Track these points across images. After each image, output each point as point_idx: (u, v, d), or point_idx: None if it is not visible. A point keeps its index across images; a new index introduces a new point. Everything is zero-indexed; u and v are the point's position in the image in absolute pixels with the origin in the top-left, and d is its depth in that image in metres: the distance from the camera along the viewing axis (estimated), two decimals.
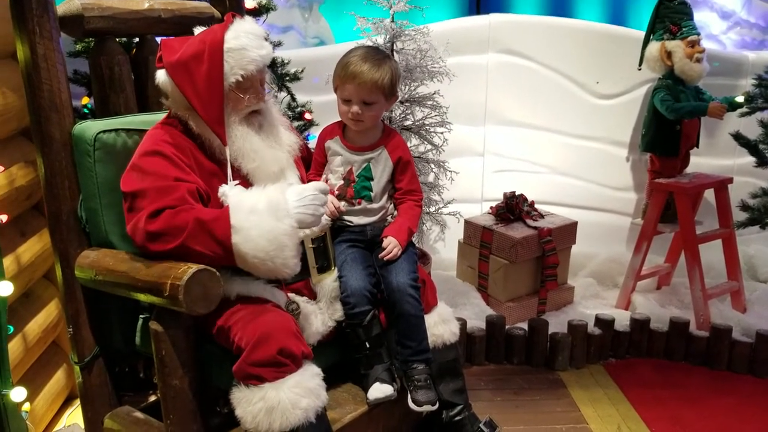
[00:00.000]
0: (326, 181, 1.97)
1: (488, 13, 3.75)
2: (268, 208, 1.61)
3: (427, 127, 3.16)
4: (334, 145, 1.97)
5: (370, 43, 2.94)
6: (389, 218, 1.98)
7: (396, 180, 1.97)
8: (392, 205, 2.01)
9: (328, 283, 1.84)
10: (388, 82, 1.85)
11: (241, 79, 1.73)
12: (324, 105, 3.26)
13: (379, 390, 1.81)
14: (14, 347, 2.08)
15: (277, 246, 1.59)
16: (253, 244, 1.58)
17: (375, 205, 1.93)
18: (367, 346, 1.83)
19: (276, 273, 1.64)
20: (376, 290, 1.89)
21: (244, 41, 1.73)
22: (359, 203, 1.92)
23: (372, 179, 1.92)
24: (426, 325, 1.91)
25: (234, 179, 1.74)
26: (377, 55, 1.86)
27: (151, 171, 1.66)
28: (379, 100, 1.87)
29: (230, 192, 1.68)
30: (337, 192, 1.93)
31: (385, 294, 1.89)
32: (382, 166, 1.93)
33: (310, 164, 2.05)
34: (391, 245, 1.88)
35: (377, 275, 1.91)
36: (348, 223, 1.93)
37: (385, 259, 1.88)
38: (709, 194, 3.52)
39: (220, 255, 1.60)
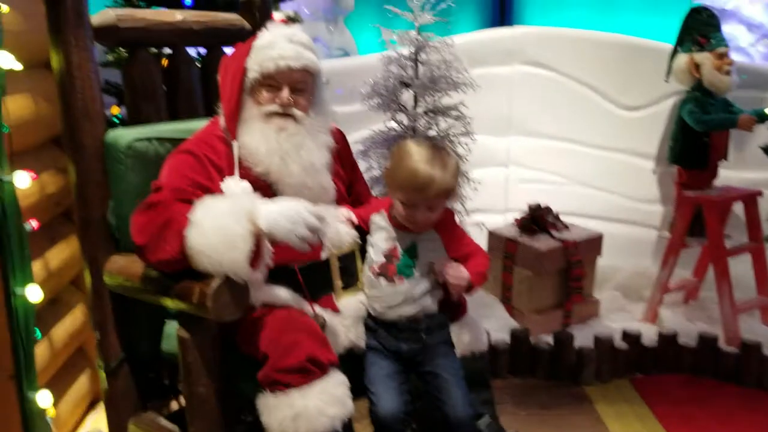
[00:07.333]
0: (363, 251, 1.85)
1: (512, 25, 3.75)
2: (231, 209, 1.54)
3: (451, 137, 3.16)
4: (379, 220, 1.83)
5: (395, 56, 2.95)
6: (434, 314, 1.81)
7: (454, 252, 1.81)
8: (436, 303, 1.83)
9: (352, 303, 1.80)
10: (456, 184, 1.73)
11: (258, 75, 1.74)
12: (348, 116, 3.28)
13: None
14: (40, 352, 2.10)
15: (228, 246, 1.50)
16: (205, 240, 1.50)
17: (417, 290, 1.77)
18: None
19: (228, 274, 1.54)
20: (411, 407, 1.76)
21: (270, 40, 1.75)
22: (401, 281, 1.76)
23: (417, 257, 1.78)
24: (454, 334, 1.88)
25: (259, 187, 1.70)
26: (439, 153, 1.70)
27: (173, 168, 1.69)
28: (445, 203, 1.76)
29: (231, 188, 1.66)
30: (378, 270, 1.78)
31: (439, 421, 1.75)
32: (431, 247, 1.79)
33: (347, 164, 2.00)
34: (460, 274, 1.73)
35: (410, 387, 1.78)
36: (378, 314, 1.78)
37: (446, 278, 1.74)
38: (738, 208, 3.47)
39: (176, 252, 1.54)
